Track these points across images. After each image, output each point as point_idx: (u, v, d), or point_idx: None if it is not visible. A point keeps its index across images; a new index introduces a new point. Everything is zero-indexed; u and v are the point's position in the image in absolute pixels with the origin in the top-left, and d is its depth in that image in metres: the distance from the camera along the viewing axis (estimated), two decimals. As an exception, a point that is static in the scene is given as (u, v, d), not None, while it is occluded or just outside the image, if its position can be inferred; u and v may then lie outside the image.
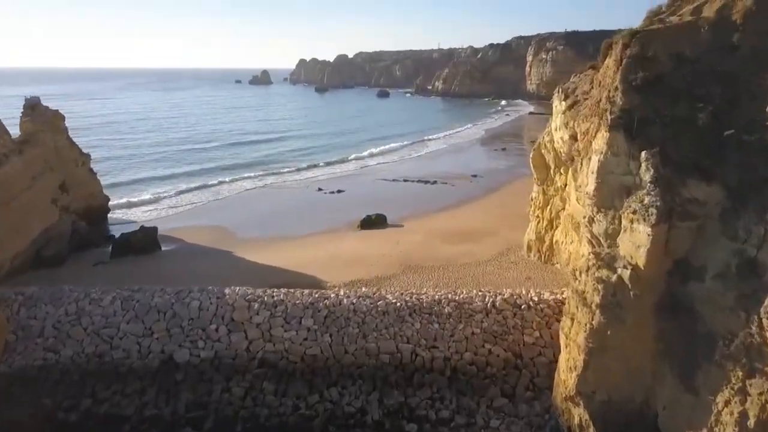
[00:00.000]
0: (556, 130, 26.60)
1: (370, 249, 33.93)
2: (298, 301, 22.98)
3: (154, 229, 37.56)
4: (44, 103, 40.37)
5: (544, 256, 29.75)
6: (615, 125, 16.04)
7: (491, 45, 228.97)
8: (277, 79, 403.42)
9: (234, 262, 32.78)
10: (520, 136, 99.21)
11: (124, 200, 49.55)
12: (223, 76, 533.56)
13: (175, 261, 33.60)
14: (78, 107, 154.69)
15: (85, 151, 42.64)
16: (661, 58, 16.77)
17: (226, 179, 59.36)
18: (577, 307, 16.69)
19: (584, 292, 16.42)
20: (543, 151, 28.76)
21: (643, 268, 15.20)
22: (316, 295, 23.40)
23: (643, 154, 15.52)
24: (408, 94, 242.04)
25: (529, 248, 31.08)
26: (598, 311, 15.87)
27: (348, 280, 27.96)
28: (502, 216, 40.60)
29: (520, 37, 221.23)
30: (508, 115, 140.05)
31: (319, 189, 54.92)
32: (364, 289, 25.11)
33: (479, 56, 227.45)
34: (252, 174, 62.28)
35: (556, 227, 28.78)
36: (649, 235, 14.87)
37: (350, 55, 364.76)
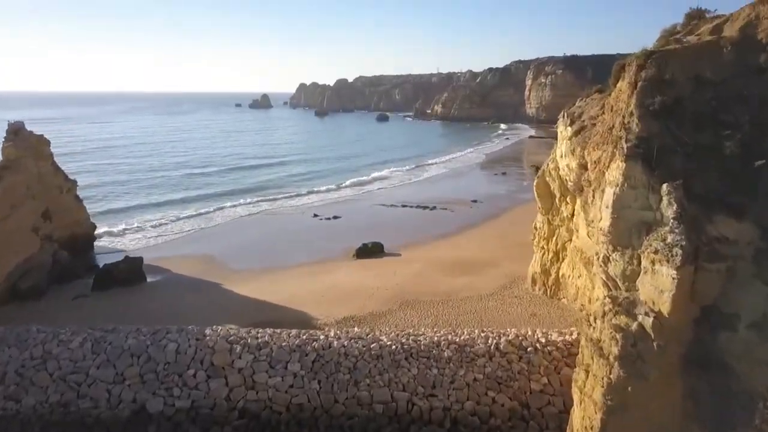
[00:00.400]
0: (561, 157, 25.04)
1: (366, 281, 32.12)
2: (284, 344, 21.11)
3: (139, 260, 35.81)
4: (43, 126, 39.25)
5: (550, 290, 27.93)
6: (632, 154, 14.44)
7: (490, 69, 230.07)
8: (277, 102, 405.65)
9: (221, 295, 30.94)
10: (521, 160, 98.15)
11: (113, 228, 47.84)
12: (224, 100, 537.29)
13: (158, 294, 31.78)
14: (77, 131, 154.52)
15: (78, 176, 41.22)
16: (679, 80, 15.27)
17: (221, 206, 57.76)
18: (592, 358, 14.85)
19: (600, 341, 14.60)
20: (547, 178, 27.15)
21: (667, 316, 13.42)
22: (304, 337, 21.53)
23: (664, 186, 13.88)
24: (407, 118, 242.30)
25: (534, 281, 29.26)
26: (616, 364, 14.03)
27: (340, 317, 26.11)
28: (503, 245, 38.87)
29: (519, 61, 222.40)
30: (507, 138, 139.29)
31: (315, 215, 53.28)
32: (356, 329, 23.24)
33: (478, 80, 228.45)
34: (247, 200, 60.74)
35: (563, 260, 27.04)
36: (673, 278, 13.13)
37: (350, 79, 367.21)
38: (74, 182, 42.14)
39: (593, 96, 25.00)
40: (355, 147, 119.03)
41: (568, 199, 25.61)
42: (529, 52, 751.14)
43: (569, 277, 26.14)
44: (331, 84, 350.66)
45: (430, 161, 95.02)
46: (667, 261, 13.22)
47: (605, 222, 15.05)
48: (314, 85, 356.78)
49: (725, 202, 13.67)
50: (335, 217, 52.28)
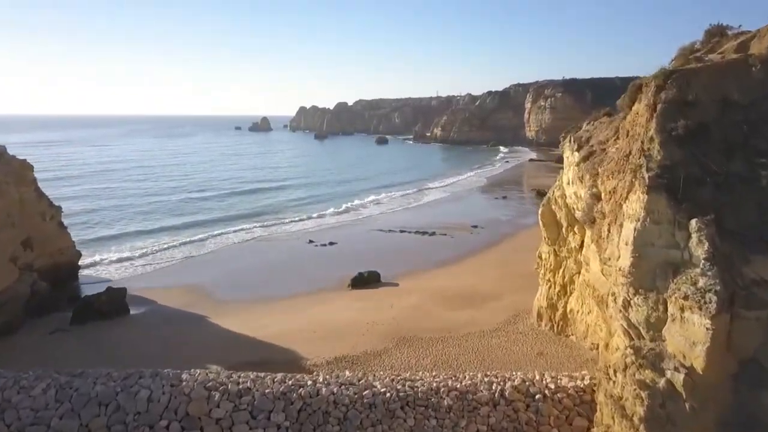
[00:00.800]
0: (568, 184, 23.42)
1: (361, 314, 30.21)
2: (267, 390, 19.14)
3: (122, 291, 33.95)
4: (42, 149, 38.39)
5: (557, 327, 26.01)
6: (654, 185, 12.79)
7: (489, 92, 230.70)
8: (277, 125, 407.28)
9: (205, 330, 29.02)
10: (521, 183, 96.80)
11: (101, 256, 46.03)
12: (224, 123, 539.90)
13: (140, 329, 29.85)
14: (76, 154, 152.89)
15: (73, 201, 39.50)
16: (703, 102, 13.72)
17: (214, 232, 55.93)
18: (613, 418, 12.98)
19: (622, 398, 12.76)
20: (553, 206, 25.47)
21: (700, 372, 11.62)
22: (290, 382, 19.57)
23: (693, 222, 12.20)
24: (407, 141, 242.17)
25: (540, 316, 27.35)
26: (642, 427, 12.17)
27: (332, 357, 24.17)
28: (505, 275, 37.01)
29: (518, 85, 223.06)
30: (507, 162, 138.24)
31: (310, 241, 51.51)
32: (347, 373, 21.28)
33: (477, 103, 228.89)
34: (241, 226, 58.88)
35: (570, 293, 25.20)
36: (707, 329, 11.37)
37: (350, 103, 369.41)
38: (59, 208, 40.53)
39: (601, 119, 23.48)
40: (354, 170, 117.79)
41: (575, 229, 23.90)
42: (528, 76, 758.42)
43: (578, 312, 24.29)
44: (331, 107, 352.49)
45: (429, 184, 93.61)
46: (699, 308, 11.46)
47: (625, 261, 13.31)
48: (314, 108, 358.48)
49: (763, 240, 11.97)
50: (331, 243, 50.51)
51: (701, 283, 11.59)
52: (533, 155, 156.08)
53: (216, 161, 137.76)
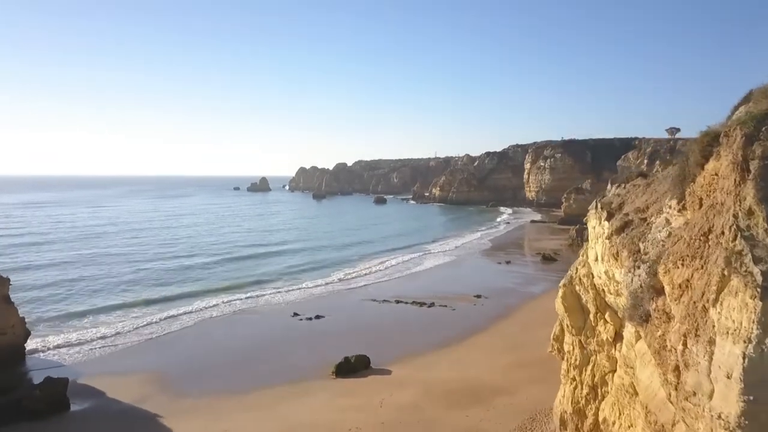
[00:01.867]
0: (596, 260, 18.82)
1: (343, 416, 24.82)
2: None
3: (63, 382, 28.58)
4: (33, 210, 34.37)
5: (588, 439, 20.65)
6: (771, 287, 8.15)
7: (488, 153, 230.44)
8: (277, 185, 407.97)
9: (151, 439, 23.57)
10: (525, 246, 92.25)
11: (57, 337, 40.64)
12: (224, 183, 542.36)
13: (74, 435, 24.39)
14: (67, 215, 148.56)
15: (50, 269, 34.50)
16: (819, 159, 9.30)
17: (193, 304, 50.65)
18: None
19: None
20: (577, 288, 20.76)
21: None
22: None
23: None
24: (405, 201, 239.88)
25: (563, 423, 22.00)
26: None
27: (300, 486, 18.75)
28: (517, 360, 31.75)
29: (517, 146, 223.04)
30: (508, 223, 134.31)
31: (295, 314, 46.30)
32: None
33: (476, 164, 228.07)
34: (225, 297, 53.55)
35: (603, 397, 20.04)
36: None
37: (349, 163, 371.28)
38: (6, 280, 35.69)
39: (635, 182, 19.20)
40: (350, 232, 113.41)
41: (607, 317, 19.08)
42: (527, 136, 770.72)
43: (614, 424, 19.04)
44: (331, 168, 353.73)
45: (428, 247, 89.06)
46: None
47: (728, 406, 8.48)
48: (314, 168, 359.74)
49: None
50: (318, 317, 45.28)
51: None
52: (534, 216, 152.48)
53: (211, 224, 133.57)
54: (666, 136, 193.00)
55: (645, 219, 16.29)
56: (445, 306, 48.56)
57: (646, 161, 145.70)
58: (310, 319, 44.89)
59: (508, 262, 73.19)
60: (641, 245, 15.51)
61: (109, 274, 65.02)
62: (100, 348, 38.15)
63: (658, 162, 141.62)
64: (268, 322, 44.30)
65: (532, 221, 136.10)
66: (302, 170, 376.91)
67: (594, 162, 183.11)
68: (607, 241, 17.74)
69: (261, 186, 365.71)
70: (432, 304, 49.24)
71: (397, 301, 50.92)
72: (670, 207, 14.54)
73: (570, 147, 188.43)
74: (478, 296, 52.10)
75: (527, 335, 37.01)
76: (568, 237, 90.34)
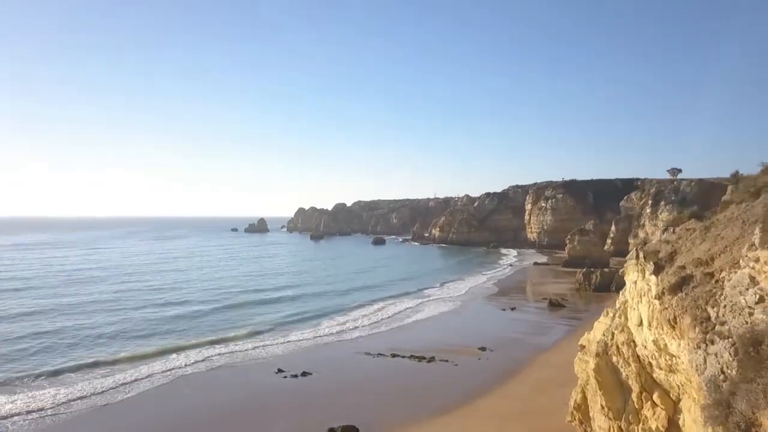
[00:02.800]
0: (641, 326, 14.77)
1: None
2: None
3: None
4: (22, 252, 30.52)
5: None
6: None
7: (488, 194, 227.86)
8: (275, 226, 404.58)
9: None
10: (529, 291, 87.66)
11: (7, 400, 35.96)
12: (222, 225, 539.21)
13: None
14: (58, 258, 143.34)
15: (27, 319, 29.92)
16: None
17: (170, 359, 45.90)
18: None
19: None
20: (615, 359, 16.60)
21: None
22: None
23: None
24: (404, 242, 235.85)
25: None
26: None
27: None
28: (529, 431, 27.10)
29: (517, 186, 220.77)
30: (511, 265, 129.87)
31: (279, 371, 41.56)
32: None
33: (476, 204, 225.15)
34: (204, 352, 48.73)
35: (653, 501, 15.57)
36: None
37: (348, 204, 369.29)
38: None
39: (687, 225, 15.31)
40: (347, 276, 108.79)
41: (657, 398, 14.87)
42: (527, 176, 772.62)
43: None
44: (329, 208, 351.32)
45: (427, 292, 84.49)
46: None
47: None
48: (312, 209, 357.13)
49: None
50: (304, 374, 40.57)
51: None
52: (537, 258, 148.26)
53: (205, 267, 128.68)
54: (667, 176, 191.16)
55: (712, 274, 12.33)
56: (447, 361, 43.90)
57: (650, 202, 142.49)
58: (296, 376, 40.17)
59: (513, 309, 68.56)
60: (711, 311, 11.51)
61: (87, 325, 60.20)
62: (51, 416, 33.31)
63: (663, 202, 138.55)
64: (248, 382, 39.46)
65: (536, 263, 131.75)
66: (301, 211, 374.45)
67: (596, 203, 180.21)
68: (656, 301, 13.73)
69: (259, 227, 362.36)
70: (432, 359, 44.56)
71: (393, 355, 46.23)
72: (755, 261, 10.61)
73: (571, 187, 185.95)
74: (483, 349, 47.45)
75: (540, 398, 32.41)
76: (574, 281, 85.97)
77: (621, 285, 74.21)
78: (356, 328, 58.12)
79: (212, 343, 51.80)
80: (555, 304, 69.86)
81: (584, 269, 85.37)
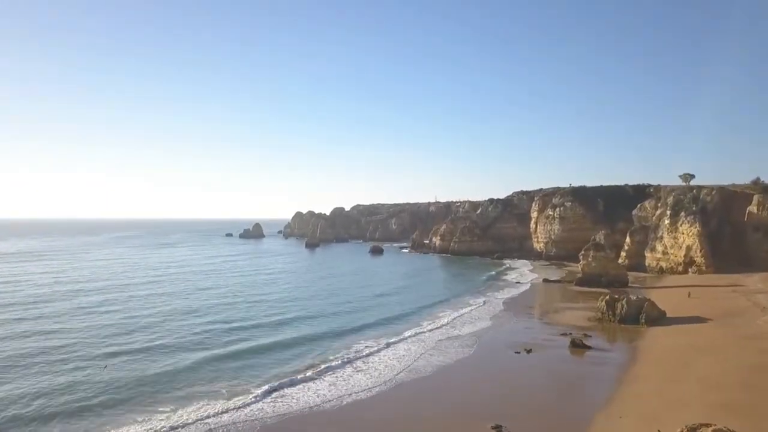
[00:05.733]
0: None
1: None
2: None
3: None
4: None
5: None
6: None
7: (491, 200, 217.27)
8: (272, 230, 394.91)
9: None
10: (544, 321, 76.40)
11: None
12: (217, 228, 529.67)
13: None
14: (36, 273, 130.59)
15: None
16: None
17: (117, 418, 35.68)
18: None
19: None
20: None
21: None
22: None
23: None
24: (403, 250, 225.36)
25: None
26: None
27: None
28: None
29: (522, 192, 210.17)
30: (518, 282, 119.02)
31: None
32: None
33: (479, 211, 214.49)
34: (170, 410, 38.41)
35: None
36: None
37: (347, 208, 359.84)
38: None
39: None
40: (333, 301, 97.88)
41: None
42: (531, 181, 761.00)
43: None
44: (328, 212, 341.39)
45: (425, 323, 73.83)
46: None
47: None
48: (310, 213, 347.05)
49: None
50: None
51: None
52: (545, 272, 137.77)
53: (189, 282, 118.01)
54: (679, 182, 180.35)
55: None
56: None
57: (669, 213, 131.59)
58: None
59: (529, 351, 57.52)
60: None
61: (38, 364, 49.91)
62: None
63: (683, 213, 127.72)
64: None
65: (545, 280, 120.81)
66: (298, 215, 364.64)
67: (606, 211, 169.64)
68: None
69: (254, 232, 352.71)
70: (432, 446, 33.81)
71: (384, 435, 35.58)
72: None
73: (580, 194, 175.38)
74: (498, 427, 36.57)
75: None
76: (596, 310, 75.13)
77: (651, 317, 61.42)
78: (318, 391, 44.44)
79: (183, 398, 41.22)
80: (578, 345, 59.02)
81: (607, 297, 74.66)
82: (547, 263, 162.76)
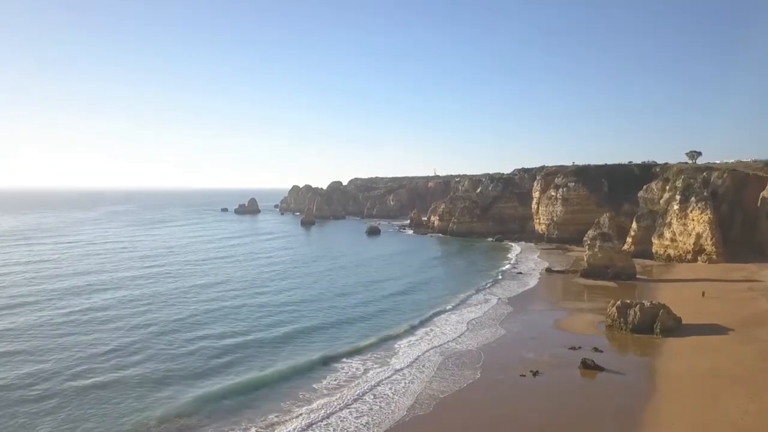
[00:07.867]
0: None
1: None
2: None
3: None
4: None
5: None
6: None
7: (492, 178, 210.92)
8: (268, 203, 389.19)
9: None
10: (551, 330, 71.07)
11: None
12: (213, 200, 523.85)
13: None
14: (14, 261, 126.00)
15: None
16: None
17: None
18: None
19: None
20: None
21: None
22: None
23: None
24: (402, 230, 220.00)
25: None
26: None
27: None
28: None
29: (524, 170, 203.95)
30: (521, 273, 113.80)
31: None
32: None
33: (479, 190, 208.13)
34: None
35: None
36: None
37: (344, 182, 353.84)
38: None
39: None
40: (319, 298, 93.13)
41: None
42: (533, 158, 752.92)
43: None
44: (324, 186, 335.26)
45: (420, 333, 68.96)
46: None
47: None
48: (307, 187, 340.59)
49: None
50: None
51: None
52: (547, 257, 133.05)
53: (178, 270, 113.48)
54: (686, 160, 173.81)
55: None
56: None
57: (678, 197, 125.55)
58: None
59: (535, 374, 52.51)
60: None
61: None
62: None
63: (694, 199, 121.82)
64: None
65: (549, 270, 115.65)
66: (295, 189, 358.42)
67: (611, 191, 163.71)
68: None
69: (249, 207, 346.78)
70: None
71: None
72: None
73: (584, 174, 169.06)
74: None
75: None
76: (606, 315, 70.03)
77: (667, 327, 54.45)
78: (342, 392, 40.93)
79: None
80: (589, 366, 53.97)
81: (618, 302, 69.57)
82: (550, 246, 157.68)
